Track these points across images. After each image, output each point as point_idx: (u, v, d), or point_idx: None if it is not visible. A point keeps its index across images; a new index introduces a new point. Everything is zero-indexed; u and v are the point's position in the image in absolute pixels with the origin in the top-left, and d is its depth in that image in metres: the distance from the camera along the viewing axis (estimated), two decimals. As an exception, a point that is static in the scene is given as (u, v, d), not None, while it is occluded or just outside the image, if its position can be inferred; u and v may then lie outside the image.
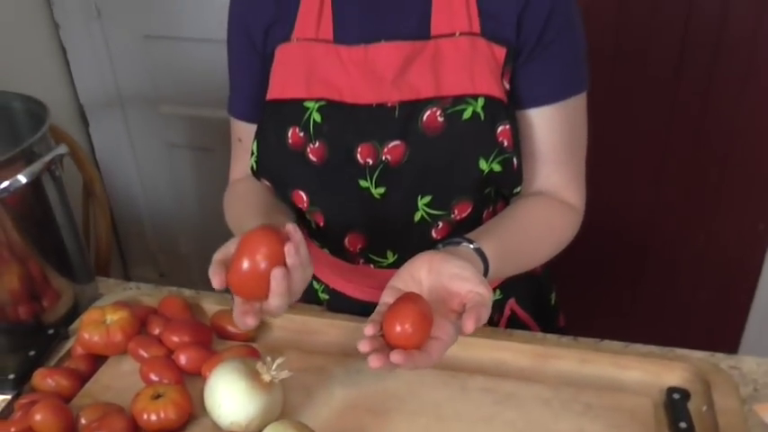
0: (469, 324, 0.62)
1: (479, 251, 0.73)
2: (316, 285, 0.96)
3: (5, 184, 0.83)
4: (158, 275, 2.13)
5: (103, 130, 1.95)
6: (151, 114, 1.89)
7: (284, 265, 0.67)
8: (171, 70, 1.81)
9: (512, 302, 0.94)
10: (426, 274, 0.69)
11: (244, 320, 0.69)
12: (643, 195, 1.56)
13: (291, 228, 0.69)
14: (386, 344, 0.64)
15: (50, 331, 0.89)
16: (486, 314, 0.64)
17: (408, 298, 0.65)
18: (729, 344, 1.63)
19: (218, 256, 0.71)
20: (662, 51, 1.36)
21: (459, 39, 0.79)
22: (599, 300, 1.68)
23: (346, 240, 0.86)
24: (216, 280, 0.68)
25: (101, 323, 0.83)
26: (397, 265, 0.82)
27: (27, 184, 0.86)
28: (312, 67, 0.82)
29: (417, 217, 0.82)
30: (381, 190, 0.81)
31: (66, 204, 0.97)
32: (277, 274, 0.66)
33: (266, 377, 0.70)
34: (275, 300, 0.67)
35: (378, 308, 0.68)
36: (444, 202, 0.82)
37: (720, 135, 1.43)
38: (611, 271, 1.67)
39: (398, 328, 0.62)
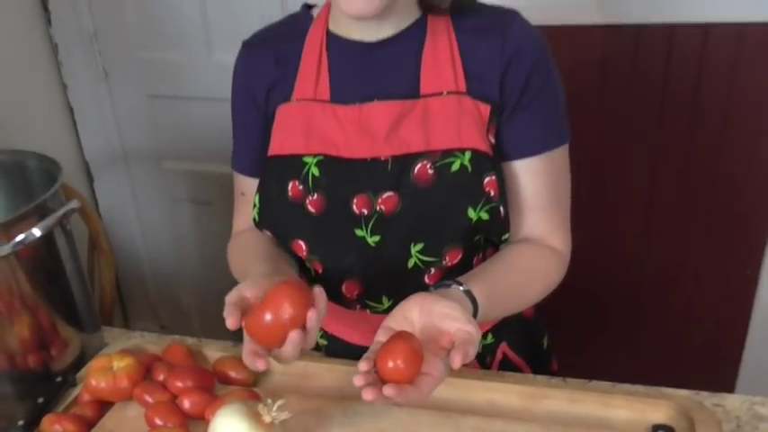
0: (457, 359, 0.66)
1: (469, 293, 0.77)
2: (314, 330, 1.00)
3: (21, 237, 0.87)
4: (159, 328, 2.16)
5: (108, 185, 2.01)
6: (154, 170, 1.95)
7: (304, 327, 0.71)
8: (173, 127, 1.88)
9: (503, 346, 0.98)
10: (418, 314, 0.73)
11: (254, 362, 0.72)
12: (631, 244, 1.60)
13: (318, 291, 0.73)
14: (379, 379, 0.67)
15: (58, 379, 0.92)
16: (473, 351, 0.68)
17: (400, 336, 0.69)
18: (724, 387, 1.65)
19: (232, 298, 0.75)
20: (643, 105, 1.43)
21: (446, 97, 0.85)
22: (592, 346, 1.70)
23: (344, 287, 0.90)
24: (230, 321, 0.71)
25: (108, 370, 0.87)
26: (392, 310, 0.87)
27: (40, 237, 0.90)
28: (310, 125, 0.88)
29: (411, 264, 0.87)
30: (376, 238, 0.86)
31: (75, 257, 1.01)
32: (294, 338, 0.70)
33: (267, 418, 0.73)
34: (288, 353, 0.71)
35: (372, 346, 0.72)
36: (436, 249, 0.86)
37: (704, 184, 1.48)
38: (604, 318, 1.70)
39: (391, 364, 0.66)
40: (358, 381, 0.67)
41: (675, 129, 1.43)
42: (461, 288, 0.78)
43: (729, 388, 1.68)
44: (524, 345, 1.01)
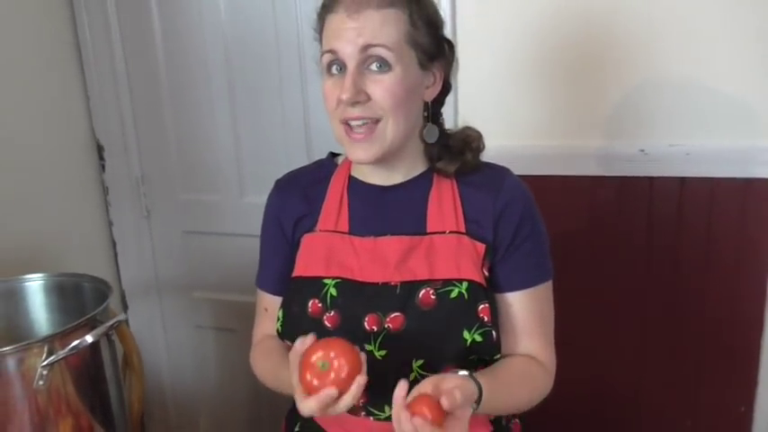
0: (444, 401, 0.81)
1: (474, 378, 0.90)
2: (323, 436, 1.09)
3: (75, 342, 1.01)
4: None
5: (140, 311, 2.14)
6: (184, 299, 2.09)
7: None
8: (204, 260, 2.04)
9: (493, 458, 1.06)
10: (431, 390, 0.85)
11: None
12: (625, 379, 1.66)
13: (362, 381, 0.87)
14: None
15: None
16: (460, 395, 0.83)
17: (426, 394, 0.84)
18: None
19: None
20: (630, 246, 1.57)
21: (448, 236, 1.01)
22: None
23: (352, 395, 1.01)
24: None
25: (139, 465, 0.97)
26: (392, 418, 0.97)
27: (88, 345, 1.03)
28: (331, 252, 1.03)
29: (411, 377, 0.98)
30: (383, 352, 0.98)
31: (115, 365, 1.14)
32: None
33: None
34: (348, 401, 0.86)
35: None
36: (434, 365, 0.97)
37: (692, 322, 1.57)
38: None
39: (418, 410, 0.81)
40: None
41: (661, 269, 1.56)
42: (468, 374, 0.90)
43: None
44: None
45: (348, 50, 0.94)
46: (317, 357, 0.85)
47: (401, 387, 0.84)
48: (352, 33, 0.93)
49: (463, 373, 0.91)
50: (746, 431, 1.59)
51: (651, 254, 1.56)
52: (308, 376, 0.85)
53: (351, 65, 0.94)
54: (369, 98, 0.95)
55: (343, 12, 0.94)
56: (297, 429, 1.14)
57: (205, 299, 2.07)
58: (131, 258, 2.09)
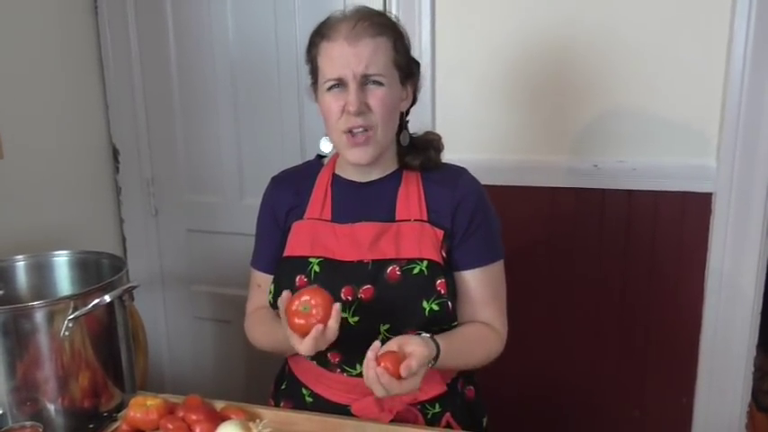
0: (403, 367, 0.99)
1: (433, 338, 1.08)
2: (303, 390, 1.26)
3: (95, 301, 1.19)
4: None
5: (144, 303, 2.29)
6: (185, 291, 2.27)
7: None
8: (204, 256, 2.22)
9: (448, 416, 1.23)
10: (396, 346, 1.04)
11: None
12: (579, 380, 1.83)
13: (338, 306, 1.06)
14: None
15: (105, 414, 1.20)
16: (415, 364, 1.00)
17: (391, 350, 1.03)
18: None
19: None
20: (584, 251, 1.75)
21: (413, 223, 1.20)
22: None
23: (329, 354, 1.18)
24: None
25: (143, 405, 1.14)
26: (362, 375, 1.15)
27: (104, 307, 1.21)
28: (315, 236, 1.22)
29: (379, 339, 1.16)
30: (356, 319, 1.16)
31: (126, 328, 1.31)
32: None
33: (255, 430, 1.01)
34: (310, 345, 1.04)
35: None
36: (398, 329, 1.15)
37: (640, 321, 1.76)
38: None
39: (382, 364, 1.00)
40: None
41: (611, 271, 1.75)
42: (428, 335, 1.09)
43: None
44: (465, 418, 1.25)
45: (350, 74, 1.13)
46: (297, 304, 1.04)
47: (375, 345, 1.03)
48: (354, 60, 1.13)
49: (425, 334, 1.09)
50: (688, 420, 1.76)
51: (602, 258, 1.75)
52: (296, 320, 1.04)
53: (353, 85, 1.14)
54: (369, 109, 1.15)
55: (342, 40, 1.13)
56: (283, 387, 1.32)
57: (204, 292, 2.25)
58: (139, 253, 2.28)
